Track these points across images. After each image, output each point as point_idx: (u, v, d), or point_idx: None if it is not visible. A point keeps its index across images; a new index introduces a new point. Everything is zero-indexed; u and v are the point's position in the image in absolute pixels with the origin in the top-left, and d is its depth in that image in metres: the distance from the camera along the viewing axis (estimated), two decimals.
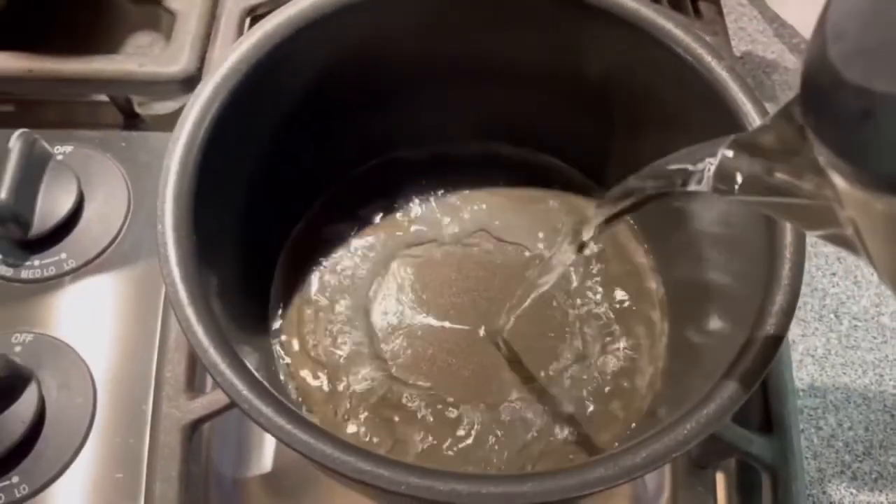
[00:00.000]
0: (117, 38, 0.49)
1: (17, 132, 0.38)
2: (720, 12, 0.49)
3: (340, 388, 0.36)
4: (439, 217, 0.40)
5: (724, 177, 0.22)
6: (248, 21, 0.45)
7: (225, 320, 0.27)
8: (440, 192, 0.41)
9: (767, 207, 0.22)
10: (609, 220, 0.28)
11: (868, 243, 0.17)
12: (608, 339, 0.38)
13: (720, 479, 0.37)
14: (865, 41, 0.16)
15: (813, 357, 0.44)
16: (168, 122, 0.45)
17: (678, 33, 0.32)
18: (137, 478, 0.34)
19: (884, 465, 0.41)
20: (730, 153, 0.22)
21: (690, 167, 0.23)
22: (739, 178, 0.21)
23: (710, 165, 0.22)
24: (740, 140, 0.22)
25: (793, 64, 0.54)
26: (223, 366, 0.24)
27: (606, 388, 0.36)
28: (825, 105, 0.17)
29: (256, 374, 0.25)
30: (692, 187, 0.23)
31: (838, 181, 0.17)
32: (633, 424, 0.36)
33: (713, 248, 0.34)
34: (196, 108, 0.29)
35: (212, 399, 0.33)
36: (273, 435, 0.23)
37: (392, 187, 0.41)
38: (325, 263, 0.39)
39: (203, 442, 0.36)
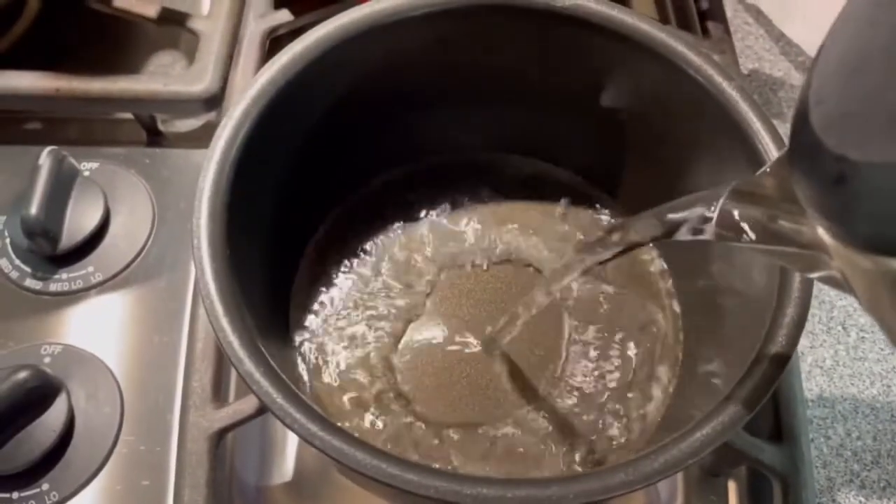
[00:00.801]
0: (139, 58, 0.50)
1: (47, 149, 0.39)
2: (727, 31, 0.50)
3: (359, 397, 0.37)
4: (460, 229, 0.41)
5: (726, 225, 0.22)
6: (268, 42, 0.47)
7: (255, 331, 0.28)
8: (461, 205, 0.42)
9: (768, 254, 0.23)
10: (606, 261, 0.29)
11: (856, 290, 0.18)
12: (621, 356, 0.38)
13: (732, 486, 0.38)
14: (843, 108, 0.16)
15: (821, 368, 0.45)
16: (190, 139, 0.46)
17: (690, 55, 0.33)
18: (163, 485, 0.35)
19: (892, 474, 0.42)
20: (731, 201, 0.22)
21: (692, 215, 0.23)
22: (741, 226, 0.22)
23: (712, 214, 0.23)
24: (740, 187, 0.22)
25: (798, 81, 0.55)
26: (258, 375, 0.25)
27: (618, 406, 0.37)
28: (806, 165, 0.17)
29: (290, 383, 0.26)
30: (694, 236, 0.24)
31: (823, 235, 0.17)
32: (645, 442, 0.36)
33: (726, 262, 0.35)
34: (228, 129, 0.30)
35: (237, 408, 0.34)
36: (307, 441, 0.24)
37: (412, 200, 0.42)
38: (343, 276, 0.40)
39: (227, 450, 0.37)
